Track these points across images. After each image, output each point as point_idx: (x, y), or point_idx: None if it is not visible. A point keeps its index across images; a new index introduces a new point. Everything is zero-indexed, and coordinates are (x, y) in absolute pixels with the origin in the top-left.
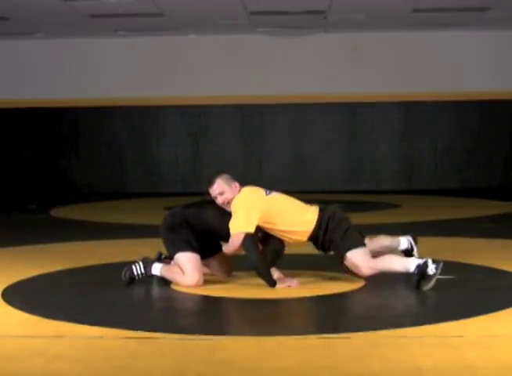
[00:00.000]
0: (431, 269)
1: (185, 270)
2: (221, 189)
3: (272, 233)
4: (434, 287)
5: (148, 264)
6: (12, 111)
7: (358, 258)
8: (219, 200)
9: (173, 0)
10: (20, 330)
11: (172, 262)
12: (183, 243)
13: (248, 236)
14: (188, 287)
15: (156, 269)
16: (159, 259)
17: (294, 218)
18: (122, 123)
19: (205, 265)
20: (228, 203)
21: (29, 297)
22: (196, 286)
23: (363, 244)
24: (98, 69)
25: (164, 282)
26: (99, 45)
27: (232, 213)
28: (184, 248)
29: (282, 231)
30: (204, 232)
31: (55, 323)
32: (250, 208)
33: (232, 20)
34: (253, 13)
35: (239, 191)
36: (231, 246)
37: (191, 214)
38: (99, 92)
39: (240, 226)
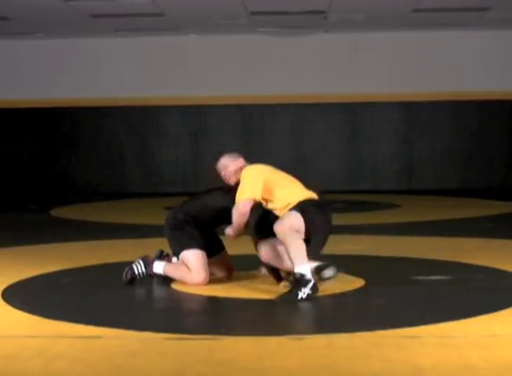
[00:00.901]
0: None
1: (192, 268)
2: (226, 163)
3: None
4: (434, 287)
5: (148, 263)
6: (12, 111)
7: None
8: (224, 175)
9: (173, 0)
10: (20, 330)
11: (173, 260)
12: (189, 240)
13: (252, 213)
14: (195, 284)
15: (159, 267)
16: (159, 257)
17: (295, 187)
18: (122, 123)
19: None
20: (230, 177)
21: (29, 297)
22: (203, 283)
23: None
24: (98, 69)
25: (164, 282)
26: (99, 45)
27: (240, 184)
28: (190, 246)
29: (280, 208)
30: (210, 221)
31: (55, 323)
32: (255, 176)
33: (232, 20)
34: (253, 13)
35: (244, 167)
36: (236, 215)
37: (192, 206)
38: (99, 92)
39: (246, 193)
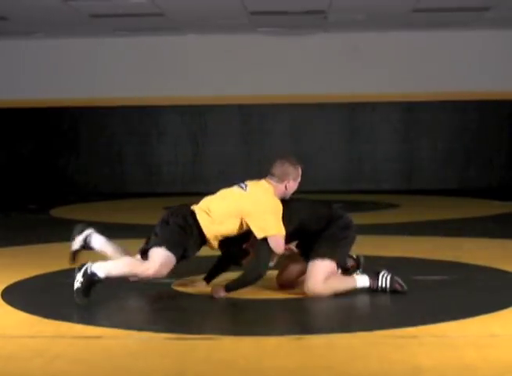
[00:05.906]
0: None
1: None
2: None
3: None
4: (434, 287)
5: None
6: (12, 111)
7: None
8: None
9: (173, 0)
10: (20, 330)
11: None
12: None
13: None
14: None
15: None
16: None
17: None
18: (122, 123)
19: None
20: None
21: (29, 297)
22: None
23: None
24: (98, 69)
25: (164, 282)
26: (98, 44)
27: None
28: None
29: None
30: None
31: (55, 323)
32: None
33: (232, 20)
34: (253, 13)
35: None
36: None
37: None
38: (99, 92)
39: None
